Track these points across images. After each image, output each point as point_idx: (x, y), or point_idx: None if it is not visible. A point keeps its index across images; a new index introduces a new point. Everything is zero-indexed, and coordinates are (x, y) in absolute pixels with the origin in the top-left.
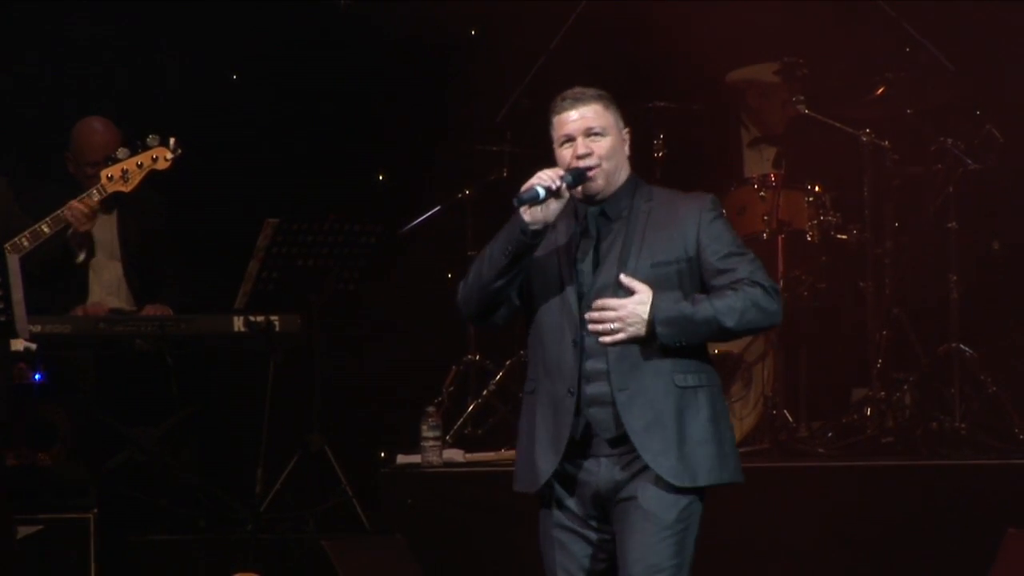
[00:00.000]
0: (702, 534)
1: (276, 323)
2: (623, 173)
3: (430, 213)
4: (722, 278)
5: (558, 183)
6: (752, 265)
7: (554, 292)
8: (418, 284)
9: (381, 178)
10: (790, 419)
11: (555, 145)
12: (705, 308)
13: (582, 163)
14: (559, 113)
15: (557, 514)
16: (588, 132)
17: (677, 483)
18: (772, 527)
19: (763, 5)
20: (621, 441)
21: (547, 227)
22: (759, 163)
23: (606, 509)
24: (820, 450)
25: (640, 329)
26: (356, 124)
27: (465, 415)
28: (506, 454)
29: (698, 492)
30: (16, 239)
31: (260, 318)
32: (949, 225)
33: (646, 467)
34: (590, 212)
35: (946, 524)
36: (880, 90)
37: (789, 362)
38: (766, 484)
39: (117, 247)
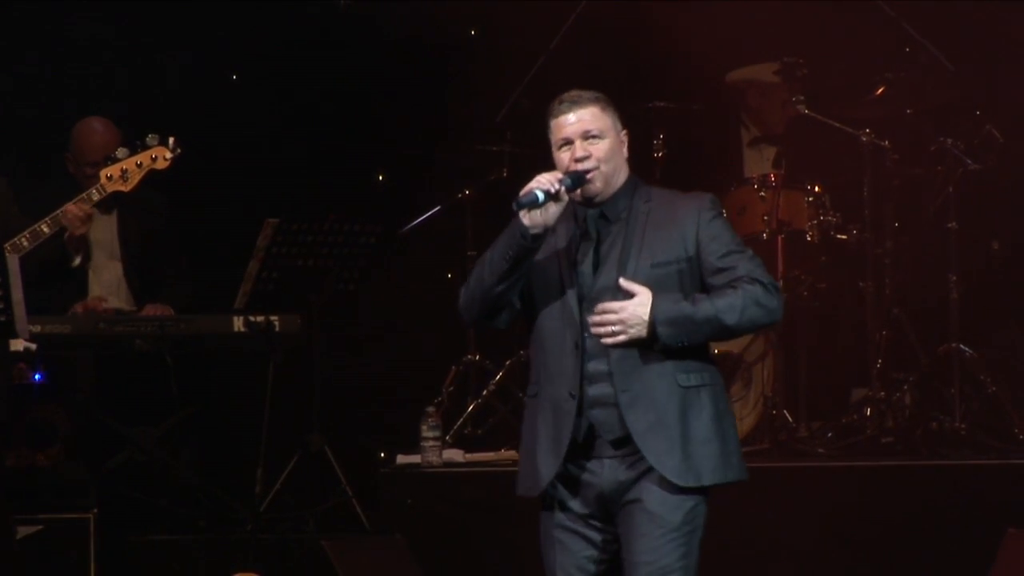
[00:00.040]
0: (703, 534)
1: (276, 323)
2: (622, 175)
3: (430, 213)
4: (721, 276)
5: (557, 187)
6: (751, 263)
7: (555, 295)
8: (418, 284)
9: (381, 178)
10: (790, 419)
11: (553, 148)
12: (706, 307)
13: (580, 166)
14: (557, 116)
15: (558, 515)
16: (586, 135)
17: (681, 483)
18: (772, 527)
19: (763, 5)
20: (624, 442)
21: (547, 231)
22: (759, 163)
23: (609, 510)
24: (820, 450)
25: (641, 330)
26: (356, 124)
27: (465, 415)
28: (506, 454)
29: (703, 492)
30: (16, 239)
31: (260, 318)
32: (949, 225)
33: (650, 468)
34: (589, 214)
35: (946, 524)
36: (880, 90)
37: (789, 362)
38: (766, 484)
39: (117, 247)
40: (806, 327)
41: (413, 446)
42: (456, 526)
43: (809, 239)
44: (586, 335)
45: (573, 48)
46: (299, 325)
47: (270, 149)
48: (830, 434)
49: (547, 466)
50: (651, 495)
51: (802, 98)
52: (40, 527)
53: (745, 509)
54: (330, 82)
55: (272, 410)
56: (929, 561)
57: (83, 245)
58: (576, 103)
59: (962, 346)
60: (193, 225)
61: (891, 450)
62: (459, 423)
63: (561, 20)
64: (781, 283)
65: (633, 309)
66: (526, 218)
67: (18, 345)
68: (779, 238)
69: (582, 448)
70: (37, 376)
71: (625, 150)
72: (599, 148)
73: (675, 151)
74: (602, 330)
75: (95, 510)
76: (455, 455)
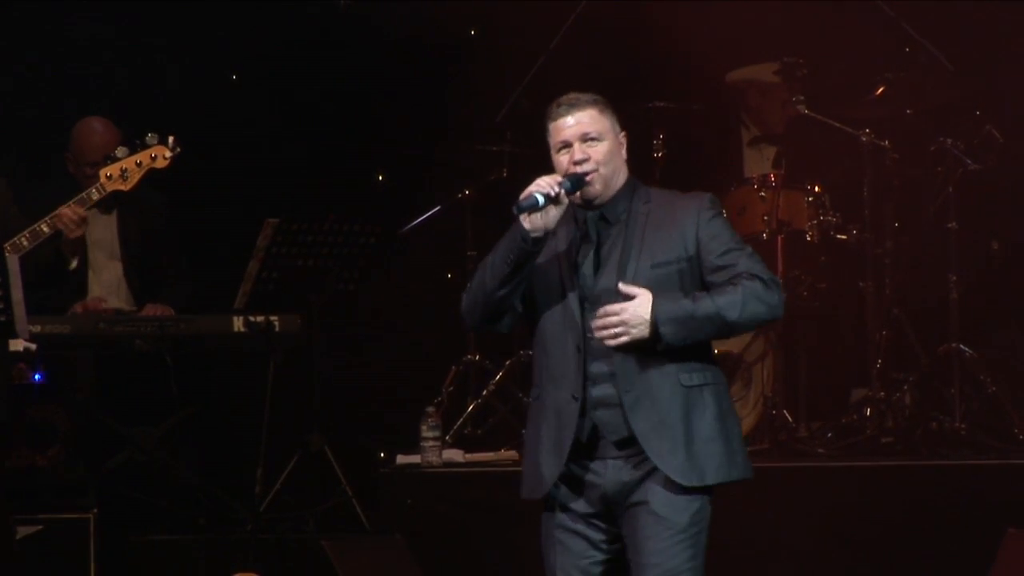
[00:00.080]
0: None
1: (276, 323)
2: (621, 176)
3: (430, 213)
4: (721, 274)
5: (556, 189)
6: (751, 260)
7: (556, 298)
8: (418, 284)
9: (381, 178)
10: (790, 419)
11: (552, 151)
12: (707, 304)
13: (579, 169)
14: (555, 119)
15: (559, 515)
16: (585, 137)
17: (685, 483)
18: (772, 527)
19: (763, 5)
20: (628, 443)
21: (548, 234)
22: (759, 163)
23: (612, 511)
24: (820, 450)
25: (644, 330)
26: (356, 124)
27: (465, 415)
28: (506, 454)
29: (708, 492)
30: (16, 239)
31: (260, 318)
32: (949, 225)
33: (654, 469)
34: (589, 217)
35: (946, 524)
36: (880, 90)
37: (789, 362)
38: (766, 484)
39: (117, 247)
40: (806, 327)
41: (413, 446)
42: (456, 526)
43: (809, 239)
44: (588, 337)
45: (573, 48)
46: (299, 325)
47: (270, 149)
48: (830, 434)
49: (550, 468)
50: (657, 497)
51: (802, 98)
52: (40, 527)
53: (745, 509)
54: (330, 82)
55: (272, 410)
56: (929, 561)
57: (79, 248)
58: (574, 106)
59: (962, 346)
60: (193, 225)
61: (891, 450)
62: (459, 423)
63: (561, 20)
64: (781, 283)
65: (634, 309)
66: (526, 222)
67: (18, 345)
68: (779, 238)
69: (585, 449)
70: (37, 376)
71: (624, 151)
72: (598, 150)
73: (675, 151)
74: (604, 332)
75: (95, 510)
76: (455, 455)
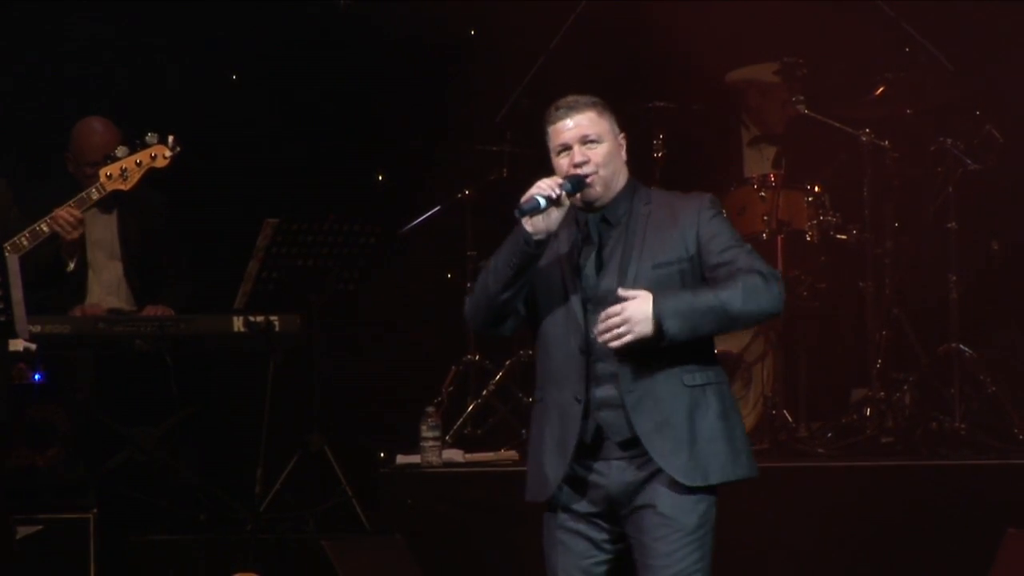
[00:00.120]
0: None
1: (276, 323)
2: (621, 178)
3: (430, 213)
4: (721, 270)
5: (558, 191)
6: (750, 256)
7: (559, 301)
8: (418, 284)
9: (381, 178)
10: (790, 419)
11: (552, 154)
12: (708, 296)
13: (579, 171)
14: (554, 123)
15: (562, 516)
16: (584, 140)
17: (688, 482)
18: (772, 527)
19: (763, 5)
20: (632, 444)
21: (550, 236)
22: (759, 163)
23: (616, 511)
24: (820, 450)
25: (646, 326)
26: (356, 124)
27: (465, 415)
28: (506, 454)
29: (713, 491)
30: (16, 239)
31: (260, 318)
32: (949, 225)
33: (659, 470)
34: (591, 219)
35: (946, 524)
36: (880, 90)
37: (789, 362)
38: (766, 484)
39: (117, 247)
40: (806, 327)
41: (413, 446)
42: (456, 526)
43: (809, 239)
44: (591, 338)
45: (573, 48)
46: (299, 325)
47: (270, 149)
48: (830, 434)
49: (554, 470)
50: (663, 499)
51: (802, 98)
52: (40, 527)
53: (744, 509)
54: (330, 82)
55: (272, 410)
56: (929, 561)
57: (77, 250)
58: (573, 108)
59: (962, 346)
60: (193, 225)
61: (891, 450)
62: (459, 423)
63: (561, 20)
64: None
65: (635, 306)
66: (529, 224)
67: (18, 345)
68: (779, 238)
69: (589, 450)
70: (37, 376)
71: (624, 153)
72: (597, 153)
73: (675, 151)
74: (608, 335)
75: (95, 510)
76: (455, 455)
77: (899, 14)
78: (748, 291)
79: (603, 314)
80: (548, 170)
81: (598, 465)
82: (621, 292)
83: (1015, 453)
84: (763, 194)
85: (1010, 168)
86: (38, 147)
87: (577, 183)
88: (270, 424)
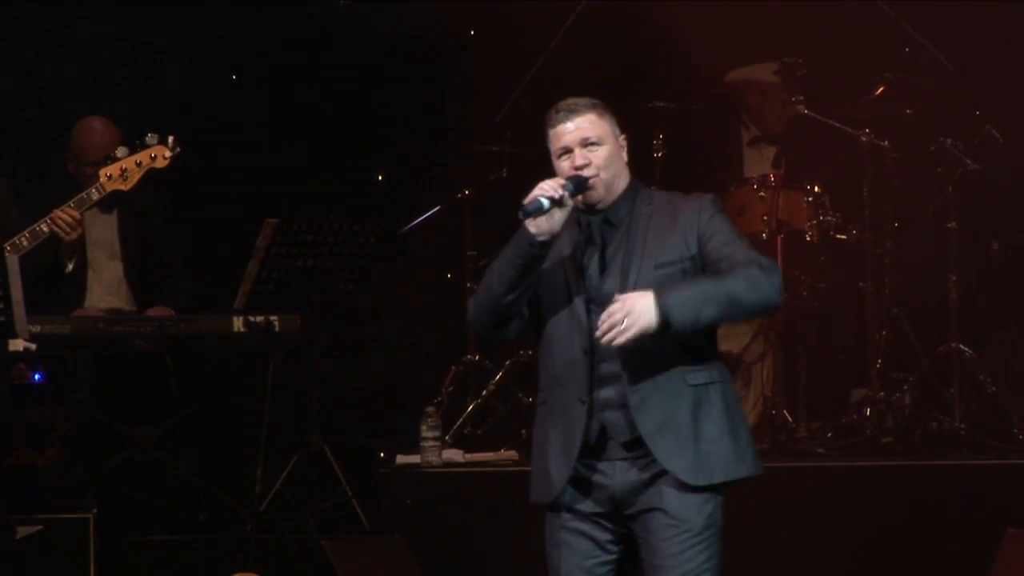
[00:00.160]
0: None
1: (276, 323)
2: (623, 180)
3: (430, 213)
4: (722, 264)
5: (560, 192)
6: (749, 250)
7: (562, 302)
8: (418, 284)
9: (381, 178)
10: (790, 419)
11: (553, 157)
12: (709, 284)
13: (581, 173)
14: (555, 125)
15: (564, 516)
16: (585, 142)
17: (692, 482)
18: (771, 527)
19: (763, 5)
20: (636, 444)
21: (553, 237)
22: (759, 163)
23: (620, 512)
24: (820, 450)
25: (650, 317)
26: (356, 124)
27: (464, 415)
28: (506, 454)
29: (718, 490)
30: (16, 239)
31: (260, 318)
32: (949, 225)
33: (664, 470)
34: (593, 220)
35: (946, 524)
36: (880, 90)
37: (789, 362)
38: (766, 484)
39: (117, 247)
40: (806, 327)
41: (413, 446)
42: (456, 526)
43: (809, 239)
44: (595, 339)
45: (573, 48)
46: (299, 325)
47: (270, 149)
48: (830, 434)
49: (559, 471)
50: (670, 500)
51: (802, 98)
52: (40, 527)
53: (744, 509)
54: (330, 82)
55: (272, 410)
56: (929, 561)
57: (75, 251)
58: (573, 111)
59: (962, 346)
60: (193, 225)
61: (891, 450)
62: (459, 423)
63: (561, 20)
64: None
65: (636, 298)
66: (532, 226)
67: (18, 345)
68: (779, 238)
69: (593, 450)
70: (37, 376)
71: (625, 154)
72: (598, 155)
73: (675, 151)
74: (611, 332)
75: (95, 510)
76: (455, 455)
77: (899, 14)
78: (749, 281)
79: (604, 314)
80: (548, 170)
81: (602, 465)
82: (618, 297)
83: (1015, 453)
84: (763, 194)
85: (1010, 168)
86: (38, 147)
87: (579, 184)
88: (270, 424)
